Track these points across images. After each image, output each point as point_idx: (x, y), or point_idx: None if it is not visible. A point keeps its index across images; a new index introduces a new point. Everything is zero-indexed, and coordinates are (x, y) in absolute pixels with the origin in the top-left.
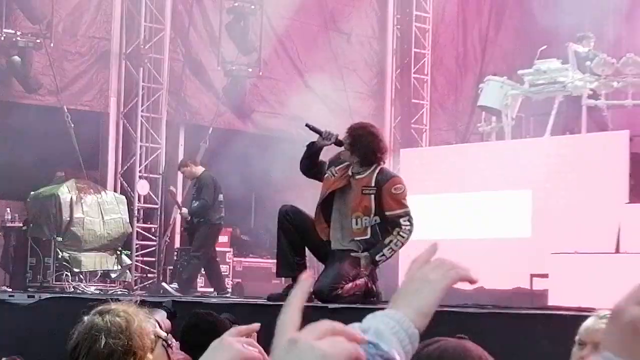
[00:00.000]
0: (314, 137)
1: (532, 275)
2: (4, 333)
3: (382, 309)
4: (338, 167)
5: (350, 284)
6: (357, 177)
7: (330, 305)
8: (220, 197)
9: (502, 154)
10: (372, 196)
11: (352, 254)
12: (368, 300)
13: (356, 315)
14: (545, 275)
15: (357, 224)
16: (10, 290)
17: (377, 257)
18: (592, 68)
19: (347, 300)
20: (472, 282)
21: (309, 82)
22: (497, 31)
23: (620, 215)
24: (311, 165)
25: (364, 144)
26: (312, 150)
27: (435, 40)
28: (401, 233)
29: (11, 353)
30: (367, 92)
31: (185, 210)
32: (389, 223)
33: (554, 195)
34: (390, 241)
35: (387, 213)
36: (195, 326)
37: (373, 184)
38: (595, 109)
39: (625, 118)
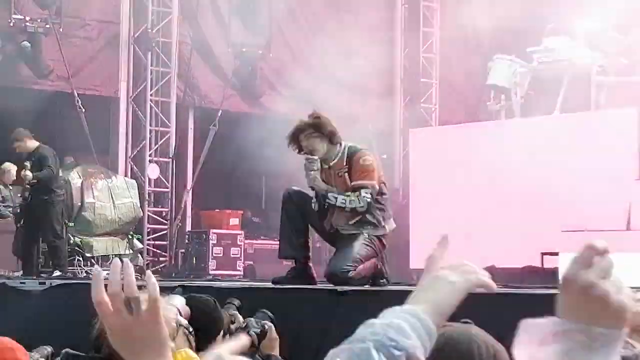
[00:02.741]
0: None
1: (543, 254)
2: (16, 321)
3: (392, 291)
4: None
5: (360, 266)
6: (331, 163)
7: (339, 288)
8: (60, 171)
9: (512, 133)
10: (346, 174)
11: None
12: (377, 282)
13: (366, 298)
14: (555, 253)
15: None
16: (22, 274)
17: (329, 195)
18: (600, 44)
19: (357, 283)
20: (491, 289)
21: (319, 64)
22: (505, 8)
23: (630, 192)
24: None
25: (327, 124)
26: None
27: (443, 19)
28: (359, 198)
29: (23, 341)
30: (376, 72)
31: (29, 173)
32: (354, 190)
33: (564, 173)
34: (348, 196)
35: (353, 182)
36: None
37: (345, 163)
38: (603, 87)
39: (634, 94)
